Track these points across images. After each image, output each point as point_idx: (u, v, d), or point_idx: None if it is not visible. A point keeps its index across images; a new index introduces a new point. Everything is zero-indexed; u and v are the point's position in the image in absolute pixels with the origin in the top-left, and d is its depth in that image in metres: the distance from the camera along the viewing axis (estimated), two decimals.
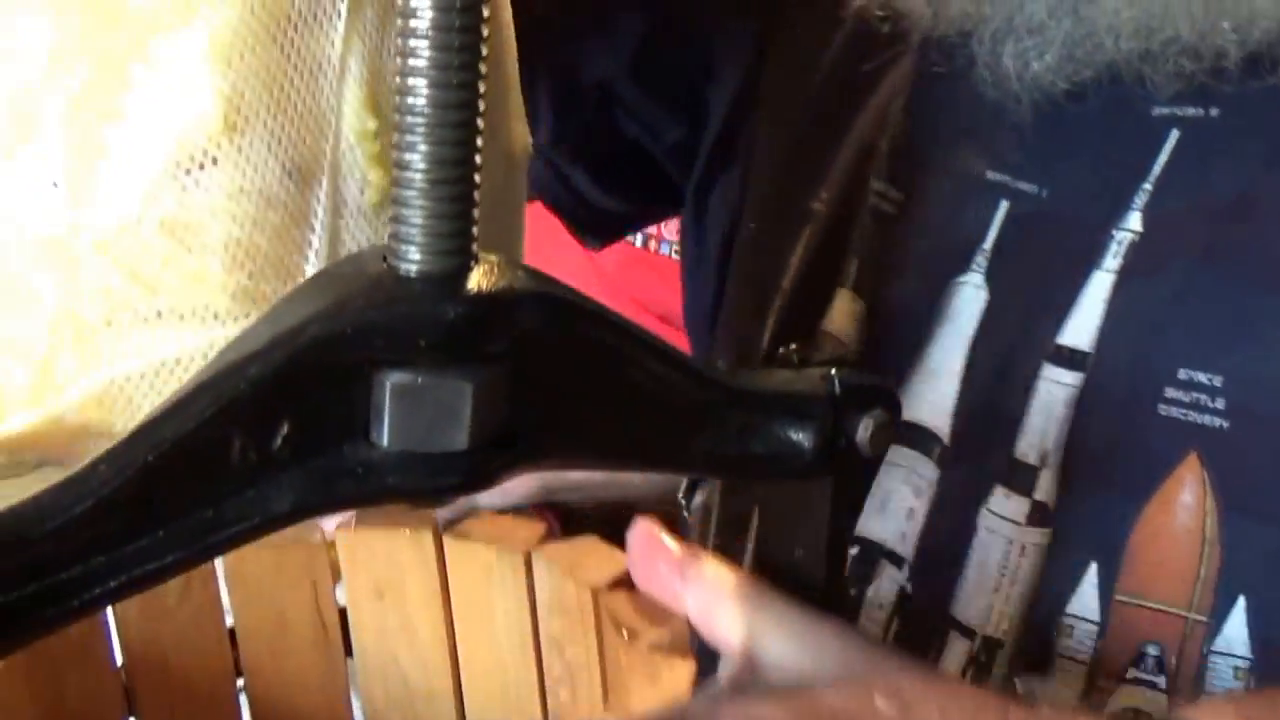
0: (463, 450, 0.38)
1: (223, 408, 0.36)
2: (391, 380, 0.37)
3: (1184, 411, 0.54)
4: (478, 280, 0.37)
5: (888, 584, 0.63)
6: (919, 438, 0.62)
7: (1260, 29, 0.54)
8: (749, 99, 0.77)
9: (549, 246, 1.46)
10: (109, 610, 0.70)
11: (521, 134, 0.47)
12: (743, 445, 0.46)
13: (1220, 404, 0.53)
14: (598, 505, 1.35)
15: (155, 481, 0.35)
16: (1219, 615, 0.53)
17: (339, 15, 0.39)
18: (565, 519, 1.33)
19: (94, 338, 0.37)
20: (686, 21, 0.78)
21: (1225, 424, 0.53)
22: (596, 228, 0.92)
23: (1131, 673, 0.54)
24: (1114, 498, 0.56)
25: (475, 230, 0.37)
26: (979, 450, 0.61)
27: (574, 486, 1.33)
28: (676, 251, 1.43)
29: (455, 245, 0.37)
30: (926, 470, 0.62)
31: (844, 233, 0.68)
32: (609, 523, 1.32)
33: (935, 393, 0.62)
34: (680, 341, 1.46)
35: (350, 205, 0.40)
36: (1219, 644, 0.53)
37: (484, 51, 0.36)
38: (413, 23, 0.35)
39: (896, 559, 0.63)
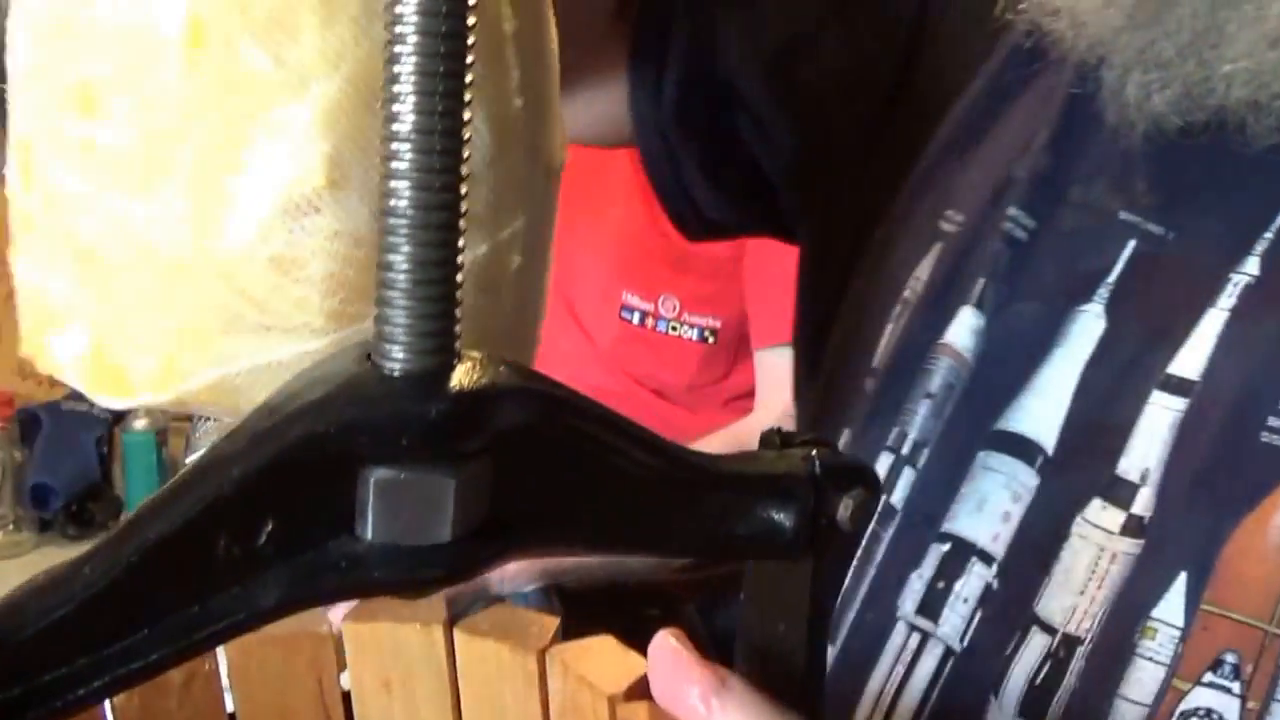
0: (446, 542, 0.39)
1: (207, 507, 0.36)
2: (375, 476, 0.38)
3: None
4: (460, 379, 0.37)
5: (975, 580, 0.67)
6: (1024, 448, 0.67)
7: None
8: (886, 117, 0.78)
9: (550, 326, 1.46)
10: (108, 708, 0.69)
11: (560, 148, 0.50)
12: (726, 527, 0.47)
13: None
14: (593, 584, 1.36)
15: (140, 581, 0.36)
16: None
17: None
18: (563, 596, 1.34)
19: (211, 342, 0.43)
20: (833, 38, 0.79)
21: None
22: (693, 222, 0.92)
23: (1208, 677, 0.58)
24: (1209, 515, 0.59)
25: (458, 329, 0.38)
26: (1081, 464, 0.65)
27: (570, 569, 1.33)
28: (673, 328, 1.44)
29: (437, 344, 0.37)
30: (1027, 478, 0.67)
31: (973, 253, 0.72)
32: (606, 600, 1.33)
33: (1044, 408, 0.67)
34: (675, 414, 1.47)
35: None
36: None
37: (466, 153, 0.37)
38: (395, 126, 0.36)
39: (987, 557, 0.67)
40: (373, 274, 0.38)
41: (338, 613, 0.76)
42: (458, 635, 0.70)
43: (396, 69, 0.36)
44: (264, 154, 0.41)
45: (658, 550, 0.48)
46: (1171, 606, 0.60)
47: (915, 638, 0.69)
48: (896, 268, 0.76)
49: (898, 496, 0.71)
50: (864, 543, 0.70)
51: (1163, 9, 0.59)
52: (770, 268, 1.32)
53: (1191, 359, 0.62)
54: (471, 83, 0.37)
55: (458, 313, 0.38)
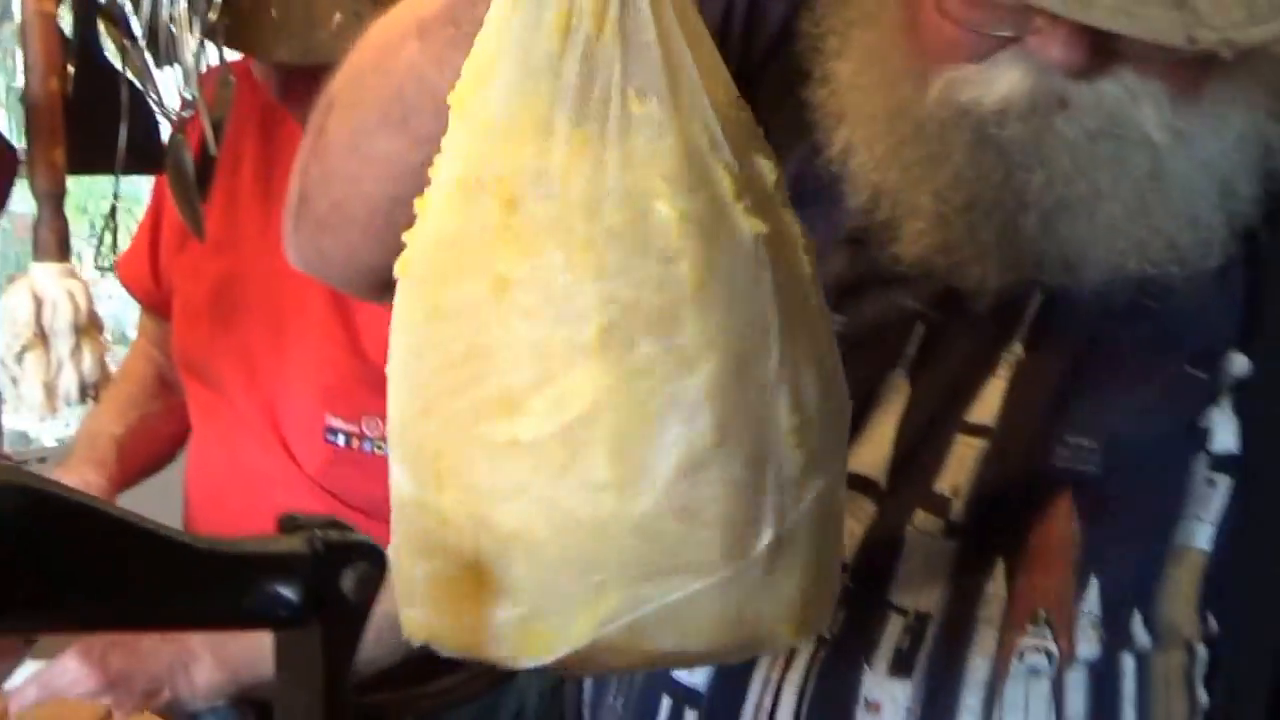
0: None
1: None
2: None
3: (1067, 462, 0.81)
4: None
5: None
6: (862, 484, 0.83)
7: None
8: None
9: (256, 452, 1.51)
10: None
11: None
12: (230, 601, 0.54)
13: (1096, 458, 0.81)
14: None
15: None
16: (1083, 587, 0.80)
17: (773, 353, 0.53)
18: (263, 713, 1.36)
19: (629, 590, 0.52)
20: None
21: (1096, 470, 0.81)
22: None
23: (1029, 628, 0.80)
24: (1016, 515, 0.82)
25: None
26: (906, 488, 0.83)
27: (269, 681, 1.37)
28: (379, 447, 1.49)
29: None
30: (866, 505, 0.83)
31: None
32: None
33: (873, 453, 0.84)
34: (384, 531, 1.51)
35: (784, 474, 0.54)
36: (1082, 606, 0.80)
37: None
38: None
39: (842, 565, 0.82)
40: (750, 508, 0.51)
41: None
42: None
43: None
44: (665, 424, 0.51)
45: (167, 624, 0.55)
46: (997, 583, 0.81)
47: None
48: None
49: None
50: None
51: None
52: None
53: (983, 409, 0.83)
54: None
55: None
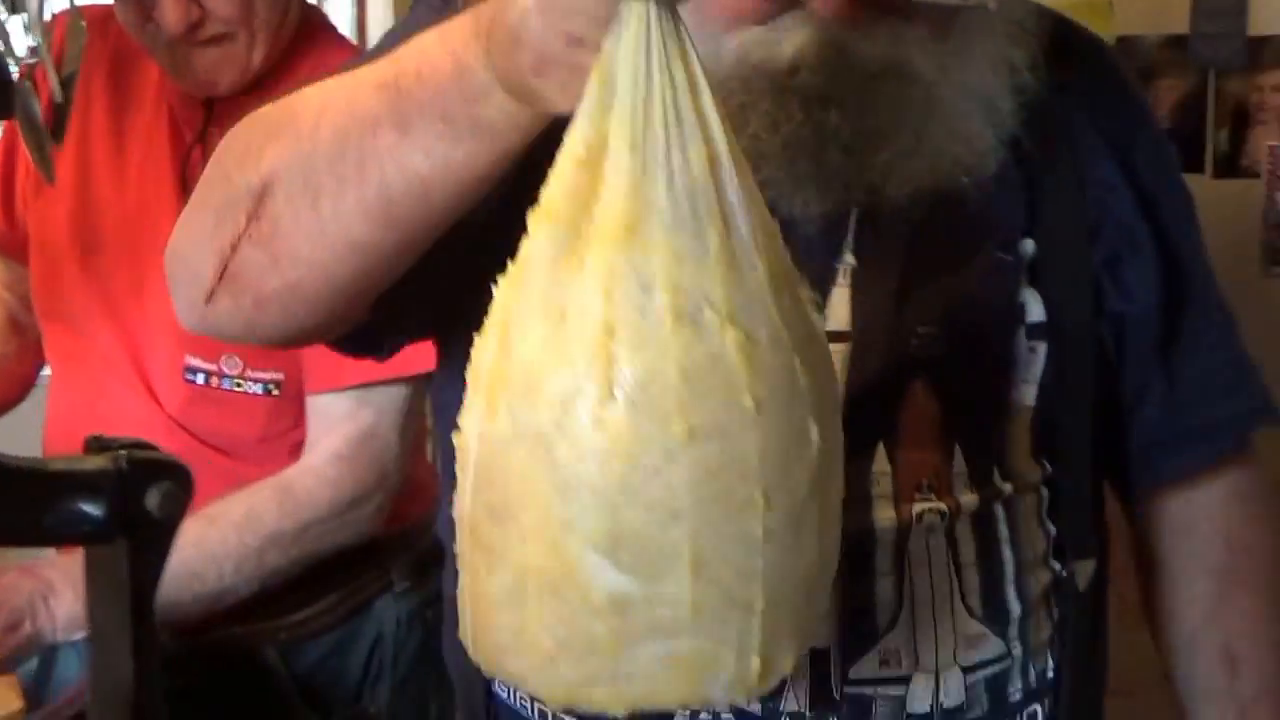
0: None
1: None
2: None
3: (918, 350, 0.92)
4: None
5: None
6: None
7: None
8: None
9: (121, 392, 1.53)
10: None
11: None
12: (38, 517, 0.58)
13: (941, 342, 0.93)
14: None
15: None
16: (950, 455, 0.93)
17: None
18: None
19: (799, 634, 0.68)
20: None
21: (942, 351, 0.93)
22: None
23: (917, 496, 0.92)
24: (886, 400, 0.92)
25: None
26: None
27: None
28: (238, 385, 1.52)
29: None
30: None
31: None
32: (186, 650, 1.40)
33: None
34: (241, 469, 1.54)
35: None
36: (954, 470, 0.93)
37: None
38: None
39: None
40: None
41: None
42: None
43: None
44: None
45: None
46: (881, 463, 0.92)
47: None
48: None
49: None
50: None
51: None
52: None
53: (836, 318, 0.92)
54: None
55: None
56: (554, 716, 0.94)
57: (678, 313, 0.62)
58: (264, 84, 1.51)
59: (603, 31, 0.65)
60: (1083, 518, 1.02)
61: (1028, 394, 0.97)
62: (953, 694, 0.93)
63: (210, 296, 0.84)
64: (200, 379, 1.52)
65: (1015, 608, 0.95)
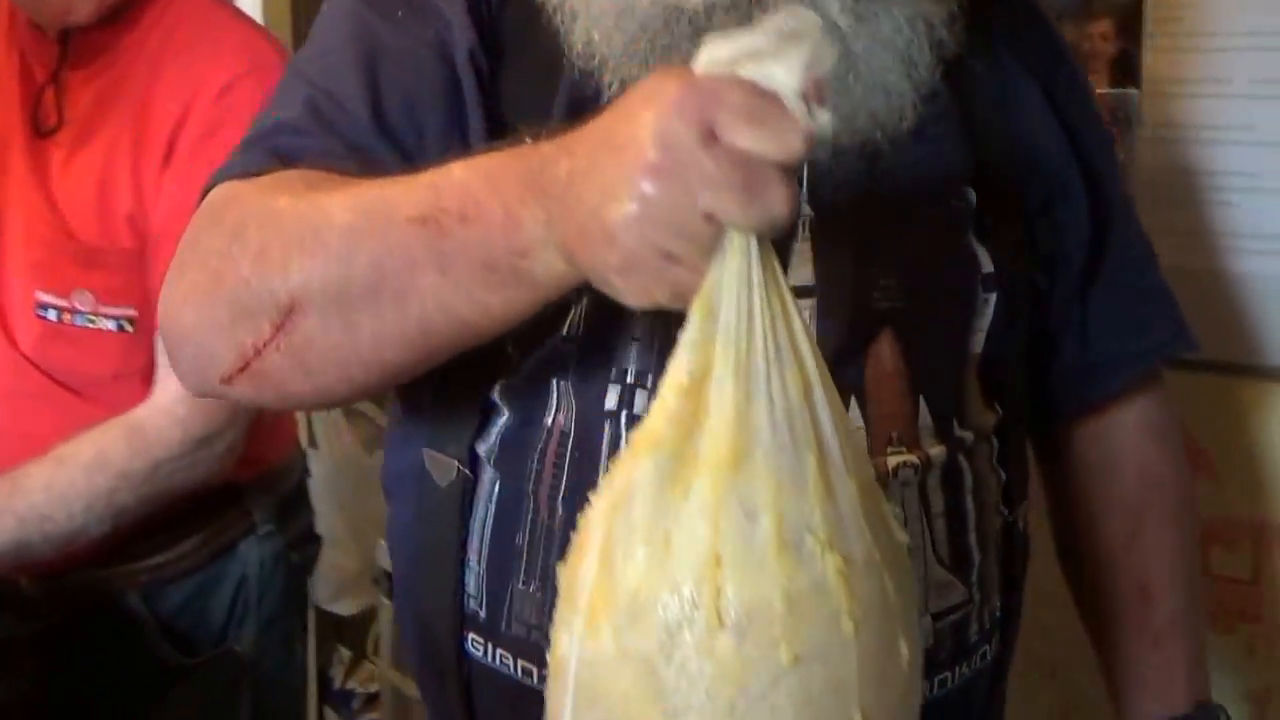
0: None
1: None
2: None
3: (880, 303, 0.92)
4: None
5: None
6: None
7: None
8: None
9: None
10: None
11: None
12: None
13: (902, 295, 0.93)
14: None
15: None
16: (914, 405, 0.94)
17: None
18: None
19: None
20: None
21: (904, 304, 0.93)
22: None
23: (889, 449, 0.92)
24: (853, 359, 0.92)
25: None
26: None
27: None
28: (90, 321, 1.47)
29: None
30: None
31: None
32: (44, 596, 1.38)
33: None
34: (92, 411, 1.50)
35: None
36: (920, 423, 0.94)
37: None
38: None
39: None
40: None
41: None
42: None
43: None
44: None
45: None
46: (855, 418, 0.91)
47: None
48: None
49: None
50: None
51: None
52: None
53: (800, 273, 0.91)
54: None
55: None
56: (539, 675, 0.92)
57: (781, 540, 0.64)
58: (122, 17, 1.46)
59: (699, 254, 0.66)
60: (1024, 462, 1.06)
61: (977, 342, 0.98)
62: (925, 639, 0.92)
63: (228, 381, 0.85)
64: (52, 315, 1.46)
65: (976, 554, 0.98)
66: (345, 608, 2.50)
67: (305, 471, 1.71)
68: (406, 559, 1.02)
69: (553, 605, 0.85)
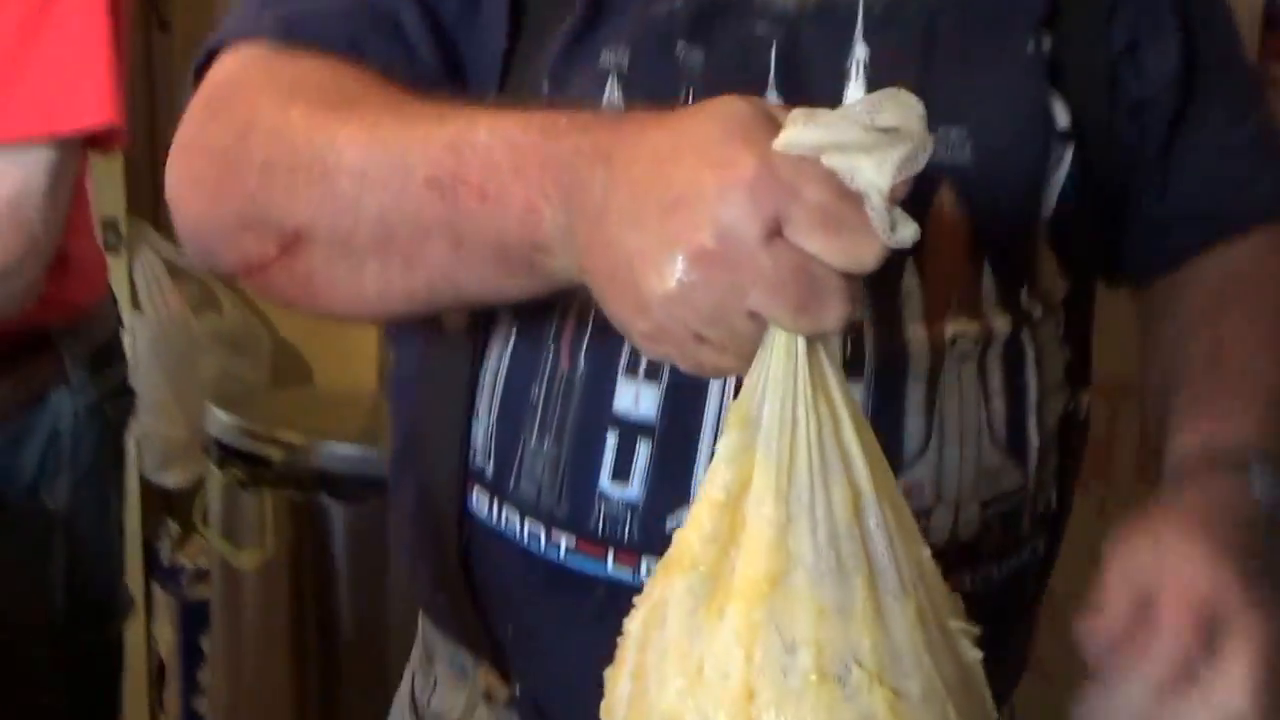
0: None
1: None
2: None
3: (941, 156, 0.77)
4: None
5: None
6: None
7: None
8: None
9: None
10: None
11: None
12: None
13: (967, 148, 0.85)
14: None
15: None
16: (977, 269, 0.86)
17: None
18: None
19: None
20: None
21: (968, 158, 0.85)
22: None
23: (947, 312, 0.85)
24: (911, 209, 0.82)
25: None
26: None
27: None
28: None
29: None
30: None
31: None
32: None
33: None
34: None
35: None
36: (982, 289, 0.86)
37: None
38: None
39: None
40: None
41: None
42: None
43: None
44: None
45: None
46: (909, 277, 0.84)
47: None
48: None
49: None
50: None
51: None
52: None
53: None
54: None
55: None
56: (545, 541, 0.87)
57: (823, 673, 0.59)
58: None
59: (735, 343, 0.61)
60: (1089, 342, 0.97)
61: (1049, 203, 0.89)
62: (971, 527, 0.87)
63: (232, 278, 0.84)
64: None
65: (1035, 438, 0.90)
66: (173, 479, 2.40)
67: (118, 321, 1.63)
68: (409, 411, 0.97)
69: (568, 463, 0.85)
